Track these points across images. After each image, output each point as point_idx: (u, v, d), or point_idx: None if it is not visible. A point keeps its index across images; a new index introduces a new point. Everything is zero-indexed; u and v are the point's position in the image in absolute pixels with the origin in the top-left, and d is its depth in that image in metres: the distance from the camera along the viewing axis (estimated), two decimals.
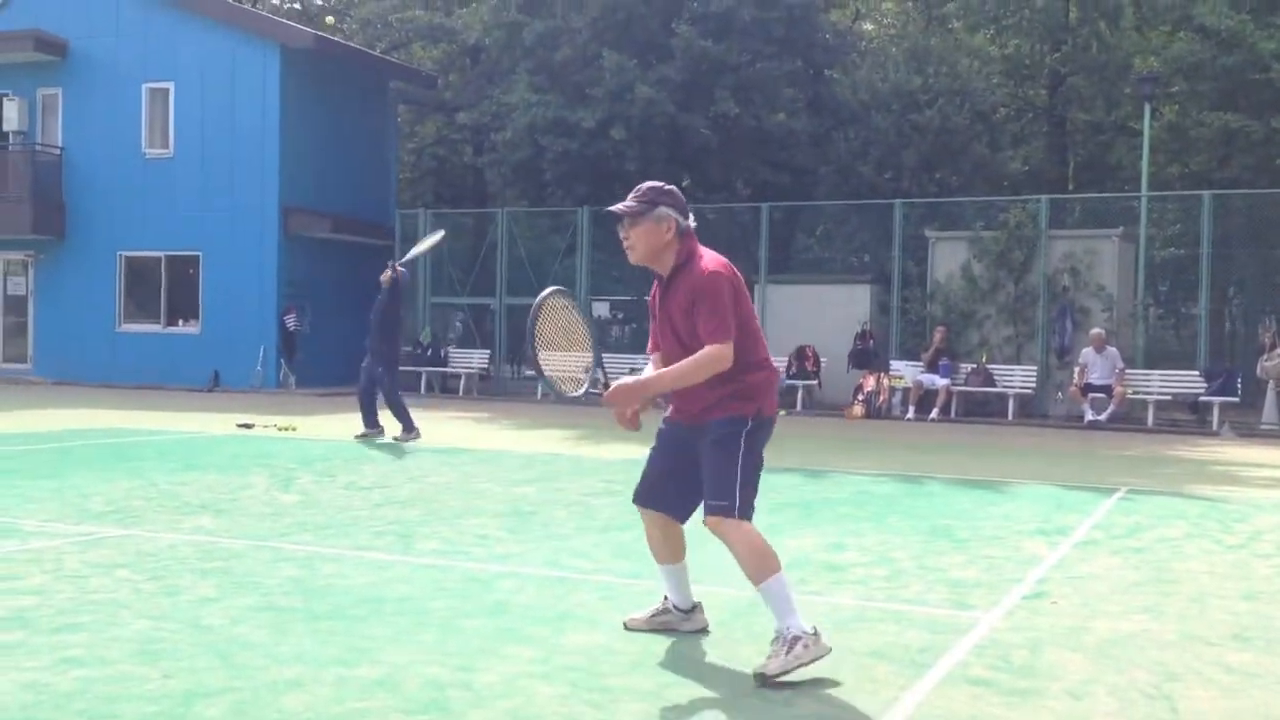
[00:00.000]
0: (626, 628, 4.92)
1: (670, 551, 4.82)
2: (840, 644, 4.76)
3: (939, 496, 9.48)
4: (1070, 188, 27.69)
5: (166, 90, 24.01)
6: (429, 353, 23.27)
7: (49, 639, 4.59)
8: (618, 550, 6.73)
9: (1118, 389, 17.95)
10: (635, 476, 4.90)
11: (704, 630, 4.90)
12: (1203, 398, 18.11)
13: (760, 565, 4.40)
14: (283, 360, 23.34)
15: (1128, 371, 18.31)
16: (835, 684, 4.24)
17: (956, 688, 4.24)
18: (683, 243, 4.54)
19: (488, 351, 23.64)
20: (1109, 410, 17.95)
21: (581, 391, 4.61)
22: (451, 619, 5.04)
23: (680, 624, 4.89)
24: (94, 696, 3.92)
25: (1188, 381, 18.49)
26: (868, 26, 33.19)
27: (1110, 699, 4.16)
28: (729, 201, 25.04)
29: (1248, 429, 17.35)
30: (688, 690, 4.15)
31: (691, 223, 4.60)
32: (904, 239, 20.72)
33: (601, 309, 25.78)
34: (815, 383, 20.30)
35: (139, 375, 23.49)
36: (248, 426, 14.53)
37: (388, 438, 13.12)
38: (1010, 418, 18.68)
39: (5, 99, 24.74)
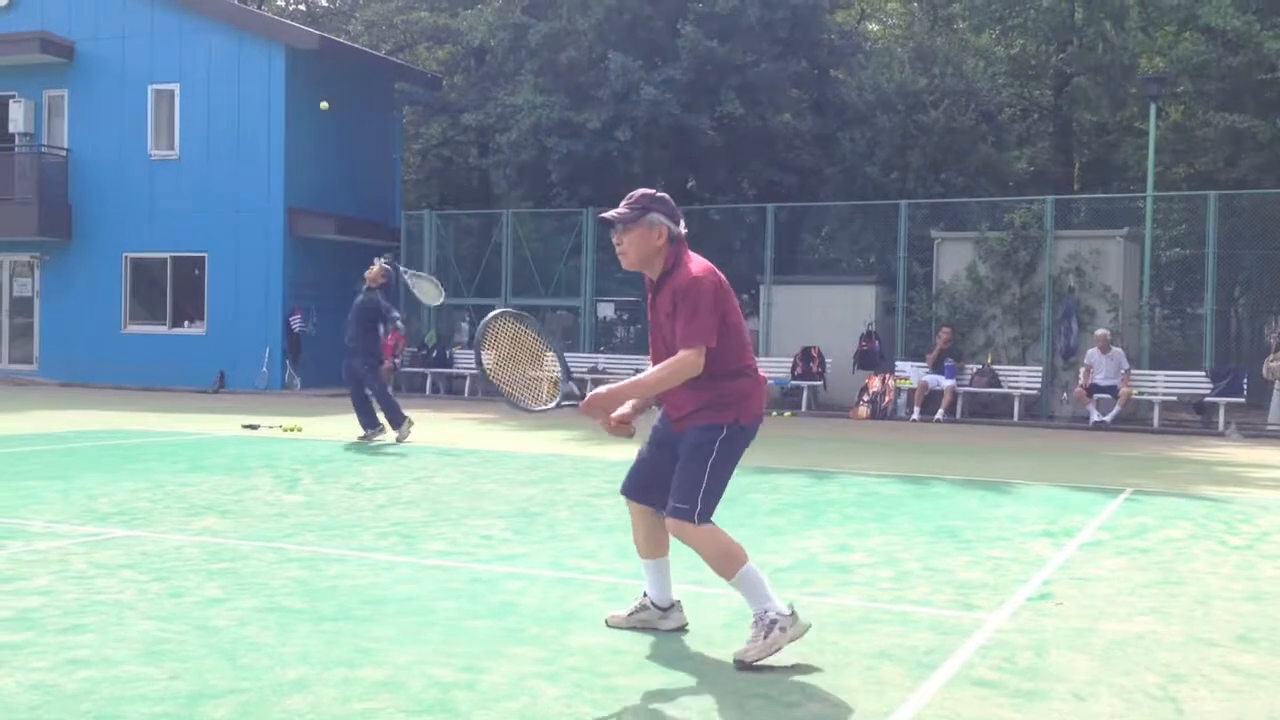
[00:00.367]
0: (607, 625, 4.98)
1: (653, 546, 4.86)
2: (846, 645, 4.77)
3: (944, 497, 9.48)
4: (1076, 188, 27.65)
5: (172, 92, 24.05)
6: (434, 354, 23.29)
7: (55, 639, 4.60)
8: (622, 551, 6.74)
9: (1123, 390, 17.93)
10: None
11: (682, 629, 4.94)
12: (1208, 398, 18.07)
13: (727, 562, 4.51)
14: (288, 361, 23.37)
15: (1133, 372, 18.28)
16: (841, 685, 4.25)
17: (962, 689, 4.24)
18: (673, 249, 4.62)
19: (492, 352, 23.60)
20: (1114, 411, 17.92)
21: (553, 404, 4.74)
22: (456, 620, 5.05)
23: (658, 621, 4.92)
24: (100, 697, 3.92)
25: (1193, 382, 18.46)
26: (873, 27, 33.16)
27: (1116, 700, 4.15)
28: (734, 202, 25.02)
29: (1253, 429, 17.31)
30: (692, 690, 4.15)
31: (683, 230, 4.67)
32: (909, 239, 20.71)
33: (606, 310, 25.78)
34: (820, 383, 20.28)
35: (144, 376, 23.53)
36: (253, 428, 14.55)
37: (390, 436, 13.14)
38: (1015, 419, 18.66)
39: (11, 100, 24.79)
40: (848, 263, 24.48)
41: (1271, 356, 17.72)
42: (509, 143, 24.14)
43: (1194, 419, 18.66)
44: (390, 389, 21.60)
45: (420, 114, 31.85)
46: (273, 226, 23.38)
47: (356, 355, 13.43)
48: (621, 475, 4.97)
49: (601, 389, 4.56)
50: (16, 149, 24.92)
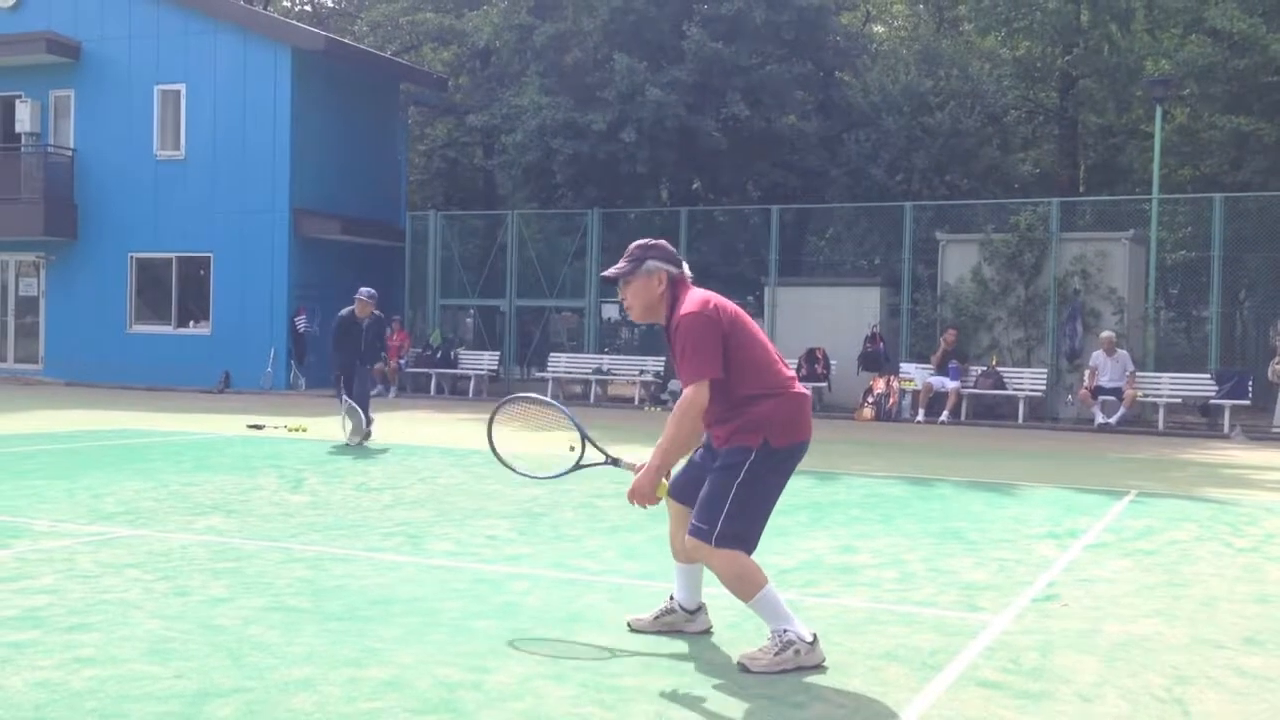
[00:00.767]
0: (630, 628, 4.93)
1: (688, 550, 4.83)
2: (851, 646, 4.77)
3: (949, 499, 9.47)
4: (1081, 190, 27.62)
5: (178, 92, 24.09)
6: (439, 354, 23.30)
7: (61, 638, 4.61)
8: (627, 552, 6.74)
9: (1128, 392, 17.91)
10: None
11: (708, 632, 4.91)
12: (1213, 401, 18.05)
13: (743, 586, 4.45)
14: (293, 362, 23.39)
15: (1138, 374, 18.25)
16: (846, 686, 4.24)
17: (967, 690, 4.23)
18: (674, 291, 4.61)
19: (497, 353, 23.66)
20: (1119, 413, 17.90)
21: (569, 468, 4.97)
22: (462, 620, 5.05)
23: (684, 625, 4.90)
24: (105, 696, 3.93)
25: (1198, 384, 18.43)
26: (878, 29, 33.15)
27: (1121, 702, 4.15)
28: (739, 204, 25.03)
29: (1259, 432, 17.28)
30: (698, 691, 4.15)
31: (685, 271, 4.66)
32: (914, 241, 20.69)
33: (611, 311, 25.77)
34: (825, 385, 20.27)
35: (150, 376, 23.56)
36: (258, 428, 14.57)
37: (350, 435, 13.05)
38: (1020, 420, 18.64)
39: (18, 101, 24.84)
40: (852, 264, 24.47)
41: (1277, 359, 17.68)
42: (514, 144, 24.16)
43: (1199, 421, 18.64)
44: (393, 391, 21.59)
45: (426, 115, 31.88)
46: (278, 227, 23.40)
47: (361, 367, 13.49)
48: (626, 476, 4.96)
49: (638, 479, 4.56)
50: (23, 149, 24.97)
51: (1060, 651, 4.78)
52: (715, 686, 4.22)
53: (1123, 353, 18.18)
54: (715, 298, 4.57)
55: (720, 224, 23.38)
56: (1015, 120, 25.08)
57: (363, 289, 13.63)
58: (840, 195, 23.77)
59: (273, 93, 23.38)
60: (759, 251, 22.84)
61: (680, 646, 4.72)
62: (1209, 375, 18.38)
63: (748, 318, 4.62)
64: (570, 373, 22.74)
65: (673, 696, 4.09)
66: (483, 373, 23.08)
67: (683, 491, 4.75)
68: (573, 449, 4.99)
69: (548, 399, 5.11)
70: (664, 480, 4.61)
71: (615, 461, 4.88)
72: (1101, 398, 18.07)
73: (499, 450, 5.07)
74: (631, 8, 23.27)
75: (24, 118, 24.62)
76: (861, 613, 5.39)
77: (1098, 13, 24.31)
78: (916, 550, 7.03)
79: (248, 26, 23.77)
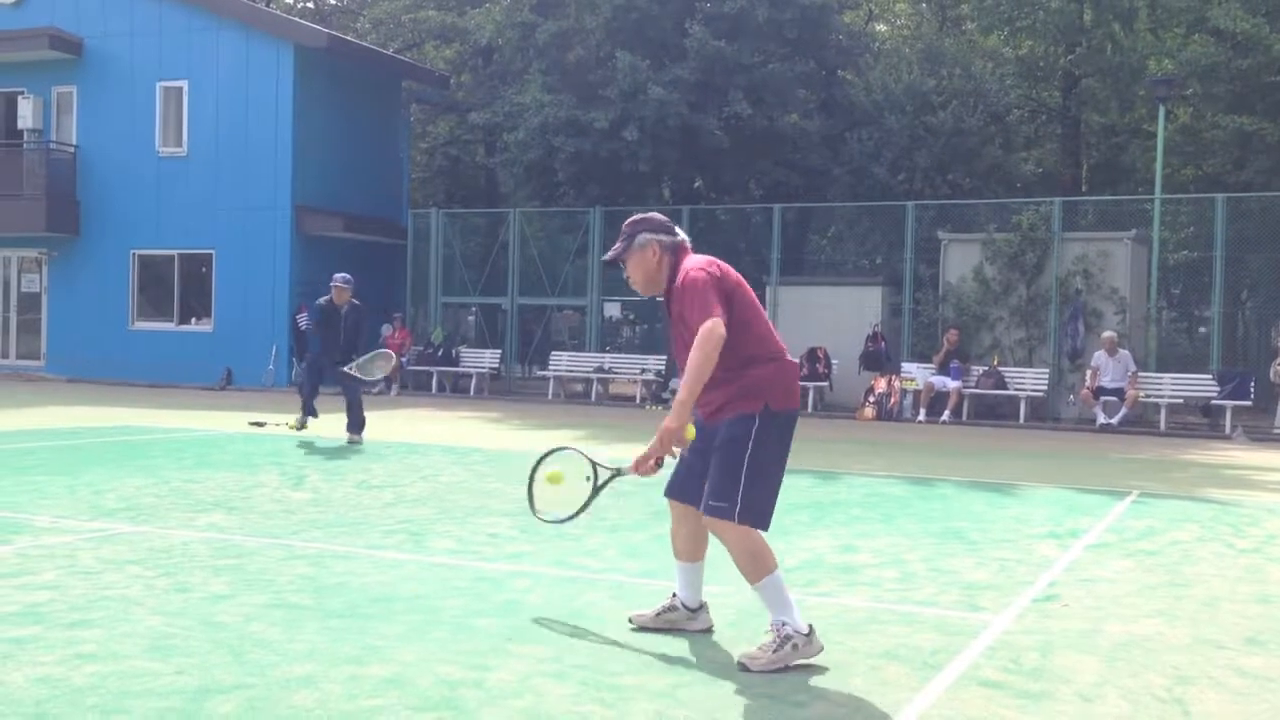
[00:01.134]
0: (631, 624, 4.94)
1: (691, 549, 4.83)
2: (852, 645, 4.77)
3: (950, 499, 9.47)
4: (1083, 190, 27.60)
5: (181, 89, 24.10)
6: (440, 352, 23.30)
7: (62, 634, 4.61)
8: (628, 550, 6.74)
9: (1130, 392, 17.90)
10: (643, 479, 4.91)
11: (709, 630, 4.91)
12: (1215, 401, 18.04)
13: (755, 566, 4.47)
14: (295, 359, 23.37)
15: (1140, 374, 18.25)
16: (847, 685, 4.24)
17: (968, 690, 4.23)
18: (671, 259, 4.68)
19: (499, 351, 23.67)
20: (1121, 413, 17.89)
21: (588, 499, 4.98)
22: (463, 617, 5.05)
23: (686, 623, 4.90)
24: (107, 692, 3.93)
25: (1200, 385, 18.43)
26: (881, 28, 33.13)
27: (1122, 702, 4.15)
28: (741, 202, 25.02)
29: (1260, 433, 17.28)
30: (699, 690, 4.15)
31: (680, 237, 4.72)
32: (916, 241, 20.69)
33: (613, 309, 25.79)
34: (826, 384, 20.28)
35: (151, 373, 23.57)
36: (259, 424, 14.58)
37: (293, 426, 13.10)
38: (1022, 420, 18.63)
39: (20, 97, 24.84)
40: (854, 263, 24.47)
41: (1278, 360, 17.68)
42: (516, 141, 24.16)
43: (1201, 422, 18.64)
44: (395, 389, 21.60)
45: (428, 112, 31.89)
46: (280, 224, 23.41)
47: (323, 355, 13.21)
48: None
49: (666, 422, 4.48)
50: (25, 145, 24.99)
51: (1061, 651, 4.78)
52: (716, 685, 4.22)
53: (1124, 353, 18.18)
54: (720, 262, 4.67)
55: (722, 223, 23.39)
56: (1018, 119, 25.07)
57: (338, 274, 13.25)
58: (842, 194, 23.77)
59: (275, 90, 23.38)
60: (761, 250, 22.84)
61: (681, 645, 4.72)
62: (1211, 376, 18.37)
63: (749, 287, 4.71)
64: (572, 371, 22.74)
65: (673, 695, 4.09)
66: (484, 371, 23.08)
67: (681, 490, 4.75)
68: (588, 479, 4.99)
69: (561, 447, 5.18)
70: (690, 423, 4.54)
71: (619, 472, 4.91)
72: (1103, 398, 18.07)
73: (538, 510, 5.15)
74: (634, 6, 23.27)
75: (26, 114, 24.63)
76: (862, 612, 5.39)
77: (1101, 12, 24.29)
78: (917, 550, 7.03)
79: (250, 23, 23.78)
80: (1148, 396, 18.26)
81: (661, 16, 23.53)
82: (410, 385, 23.21)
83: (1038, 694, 4.21)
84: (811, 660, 4.45)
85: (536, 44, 24.36)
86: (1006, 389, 19.19)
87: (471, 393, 22.66)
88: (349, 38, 28.64)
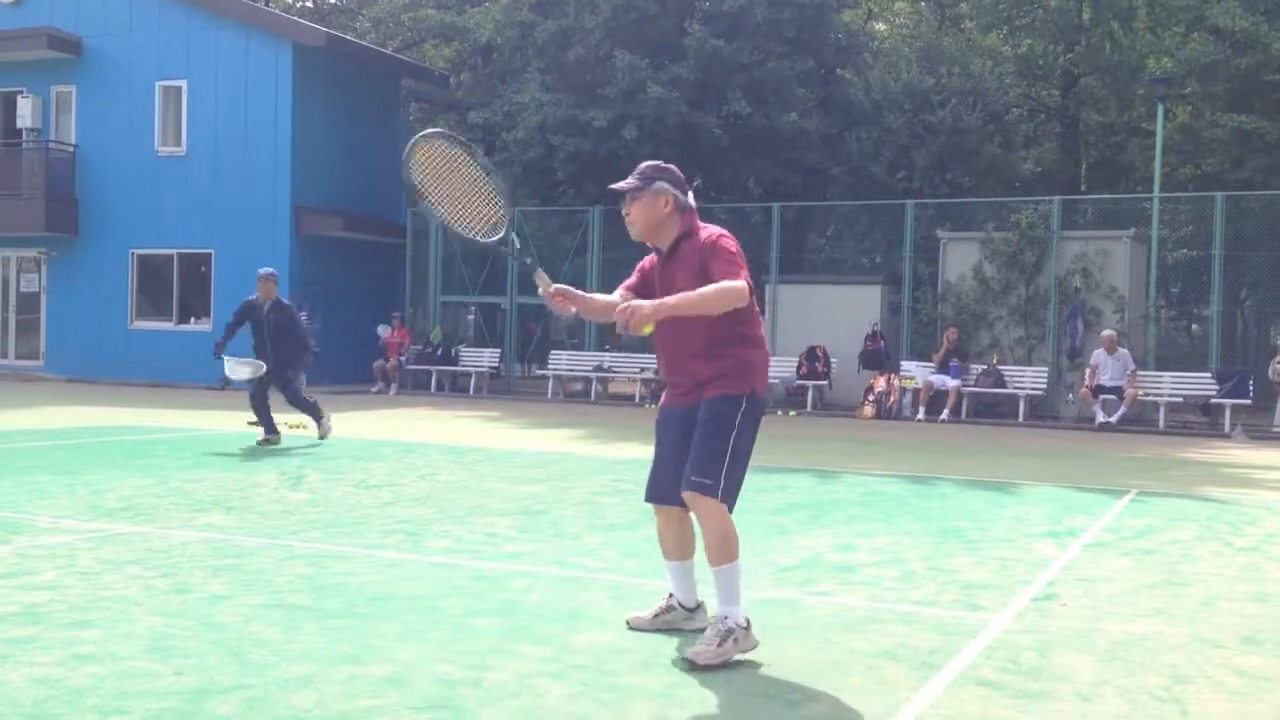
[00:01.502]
0: (629, 627, 4.93)
1: (680, 548, 4.83)
2: (850, 644, 4.77)
3: (949, 498, 9.47)
4: (1082, 189, 27.62)
5: (180, 88, 24.09)
6: (440, 352, 23.31)
7: (61, 635, 4.62)
8: (627, 549, 6.74)
9: (1129, 391, 17.91)
10: (643, 477, 4.91)
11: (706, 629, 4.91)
12: (1214, 400, 18.05)
13: (725, 548, 4.50)
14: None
15: (1139, 373, 18.26)
16: (845, 685, 4.25)
17: (966, 689, 4.23)
18: (684, 217, 4.65)
19: (498, 350, 23.67)
20: (1120, 412, 17.90)
21: (495, 238, 4.77)
22: (461, 617, 5.05)
23: (684, 623, 4.90)
24: (105, 692, 3.93)
25: (1199, 383, 18.44)
26: (880, 26, 33.15)
27: (1120, 701, 4.15)
28: (740, 201, 25.03)
29: (1259, 431, 17.29)
30: (697, 690, 4.16)
31: (691, 200, 4.69)
32: (915, 239, 20.69)
33: None
34: (826, 383, 20.28)
35: (151, 372, 23.57)
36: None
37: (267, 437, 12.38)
38: (1021, 419, 18.64)
39: (19, 96, 24.84)
40: (853, 262, 24.47)
41: (1278, 358, 17.69)
42: (515, 140, 24.17)
43: (1200, 420, 18.65)
44: (394, 388, 21.61)
45: (427, 111, 31.88)
46: (279, 223, 23.40)
47: (293, 369, 12.54)
48: (626, 473, 4.99)
49: (645, 303, 4.33)
50: (24, 145, 24.98)
51: (1059, 651, 4.78)
52: (713, 685, 4.22)
53: (1124, 351, 18.18)
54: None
55: (721, 221, 23.20)
56: (1017, 118, 25.08)
57: (262, 268, 12.41)
58: (841, 193, 23.77)
59: (274, 89, 23.38)
60: (760, 249, 22.83)
61: (679, 645, 4.71)
62: (1210, 374, 18.38)
63: None
64: (571, 370, 22.75)
65: (671, 695, 4.09)
66: (483, 370, 23.08)
67: (667, 494, 4.71)
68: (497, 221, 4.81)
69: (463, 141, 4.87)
70: (652, 327, 4.41)
71: (531, 266, 4.77)
72: (1102, 396, 18.08)
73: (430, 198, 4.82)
74: (633, 5, 23.27)
75: (25, 113, 24.62)
76: (861, 611, 5.39)
77: (1099, 10, 24.31)
78: (916, 549, 7.03)
79: (249, 23, 23.77)
80: (1147, 395, 18.27)
81: (660, 15, 23.53)
82: (409, 384, 23.21)
83: (1036, 694, 4.21)
84: (806, 645, 4.45)
85: (536, 43, 24.36)
86: (1006, 388, 19.19)
87: (471, 392, 22.66)
88: (348, 37, 28.64)
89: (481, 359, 23.34)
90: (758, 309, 4.66)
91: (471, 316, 27.14)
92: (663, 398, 4.83)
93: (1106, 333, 18.30)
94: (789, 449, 13.02)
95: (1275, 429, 17.44)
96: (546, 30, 23.98)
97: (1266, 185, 21.37)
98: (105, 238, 24.61)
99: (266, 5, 31.92)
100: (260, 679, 4.11)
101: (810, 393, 20.14)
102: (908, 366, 19.80)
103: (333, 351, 23.74)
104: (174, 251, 24.32)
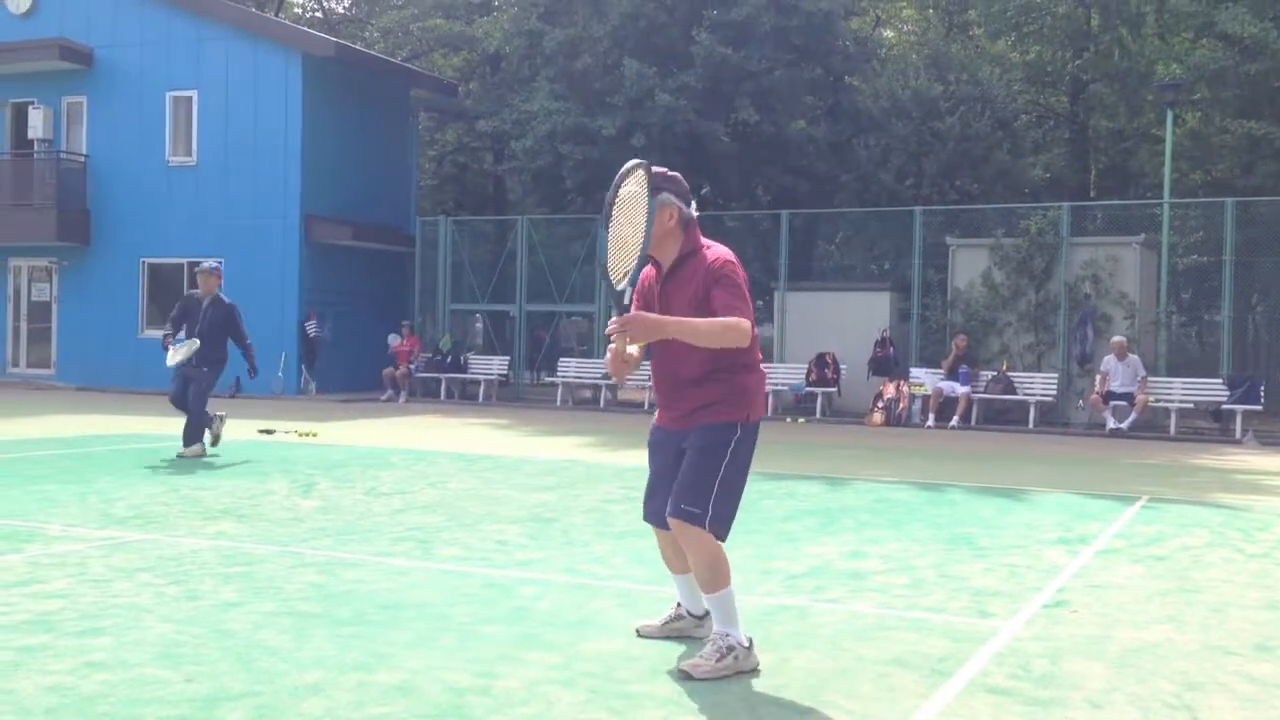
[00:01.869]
0: (639, 635, 4.93)
1: (683, 563, 4.79)
2: (860, 652, 4.77)
3: (959, 504, 9.46)
4: (1092, 195, 27.58)
5: (190, 98, 24.18)
6: (449, 359, 23.33)
7: (73, 642, 4.63)
8: (636, 557, 6.74)
9: (1139, 397, 17.86)
10: None
11: None
12: (1225, 406, 17.99)
13: (714, 577, 4.41)
14: (304, 366, 23.44)
15: (1150, 379, 18.21)
16: (855, 692, 4.24)
17: (977, 697, 4.23)
18: (687, 232, 4.50)
19: (507, 358, 23.69)
20: (1131, 418, 17.85)
21: (620, 289, 4.26)
22: (471, 625, 5.06)
23: (693, 630, 4.89)
24: (117, 699, 3.95)
25: (1210, 389, 18.37)
26: (888, 34, 33.14)
27: (1131, 708, 4.14)
28: (749, 209, 25.03)
29: (1270, 437, 17.22)
30: (706, 697, 4.15)
31: (694, 212, 4.55)
32: (924, 246, 20.67)
33: None
34: (835, 390, 20.26)
35: (161, 381, 23.46)
36: (269, 432, 14.61)
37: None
38: (1031, 426, 18.59)
39: (31, 107, 24.95)
40: (862, 269, 24.46)
41: None
42: (524, 149, 24.21)
43: (1211, 426, 18.58)
44: (404, 396, 21.64)
45: (436, 121, 31.96)
46: (289, 232, 23.46)
47: (212, 368, 12.11)
48: (635, 480, 4.98)
49: (649, 314, 4.27)
50: (35, 155, 25.10)
51: (1070, 658, 4.77)
52: (722, 692, 4.22)
53: (1134, 357, 18.14)
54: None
55: (730, 229, 23.34)
56: (1025, 125, 25.07)
57: (206, 262, 11.73)
58: (850, 200, 23.77)
59: (284, 99, 23.45)
60: (769, 256, 22.85)
61: (688, 653, 4.71)
62: (1221, 380, 18.32)
63: None
64: (580, 378, 22.76)
65: (680, 702, 4.09)
66: (492, 378, 23.10)
67: (654, 514, 4.63)
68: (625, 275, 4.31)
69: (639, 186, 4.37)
70: (642, 346, 4.29)
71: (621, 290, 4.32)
72: (1113, 403, 18.03)
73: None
74: (641, 13, 23.31)
75: (37, 124, 24.73)
76: (871, 618, 5.39)
77: (1108, 17, 24.29)
78: (926, 556, 7.02)
79: (259, 33, 23.86)
80: (1157, 401, 18.21)
81: (669, 24, 23.57)
82: (419, 392, 23.23)
83: (1047, 701, 4.20)
84: (817, 653, 4.44)
85: (544, 52, 24.41)
86: (1015, 394, 19.15)
87: (480, 399, 22.68)
88: (357, 46, 28.73)
89: (491, 367, 23.36)
90: (755, 331, 4.53)
91: (480, 324, 27.17)
92: (655, 415, 4.72)
93: (1117, 339, 18.26)
94: (798, 456, 13.01)
95: None
96: (555, 39, 24.02)
97: (1276, 191, 21.32)
98: (116, 247, 24.70)
99: (276, 16, 32.05)
100: (270, 686, 4.12)
101: (819, 399, 20.13)
102: (917, 373, 19.78)
103: (343, 359, 23.86)
104: (184, 260, 24.37)
